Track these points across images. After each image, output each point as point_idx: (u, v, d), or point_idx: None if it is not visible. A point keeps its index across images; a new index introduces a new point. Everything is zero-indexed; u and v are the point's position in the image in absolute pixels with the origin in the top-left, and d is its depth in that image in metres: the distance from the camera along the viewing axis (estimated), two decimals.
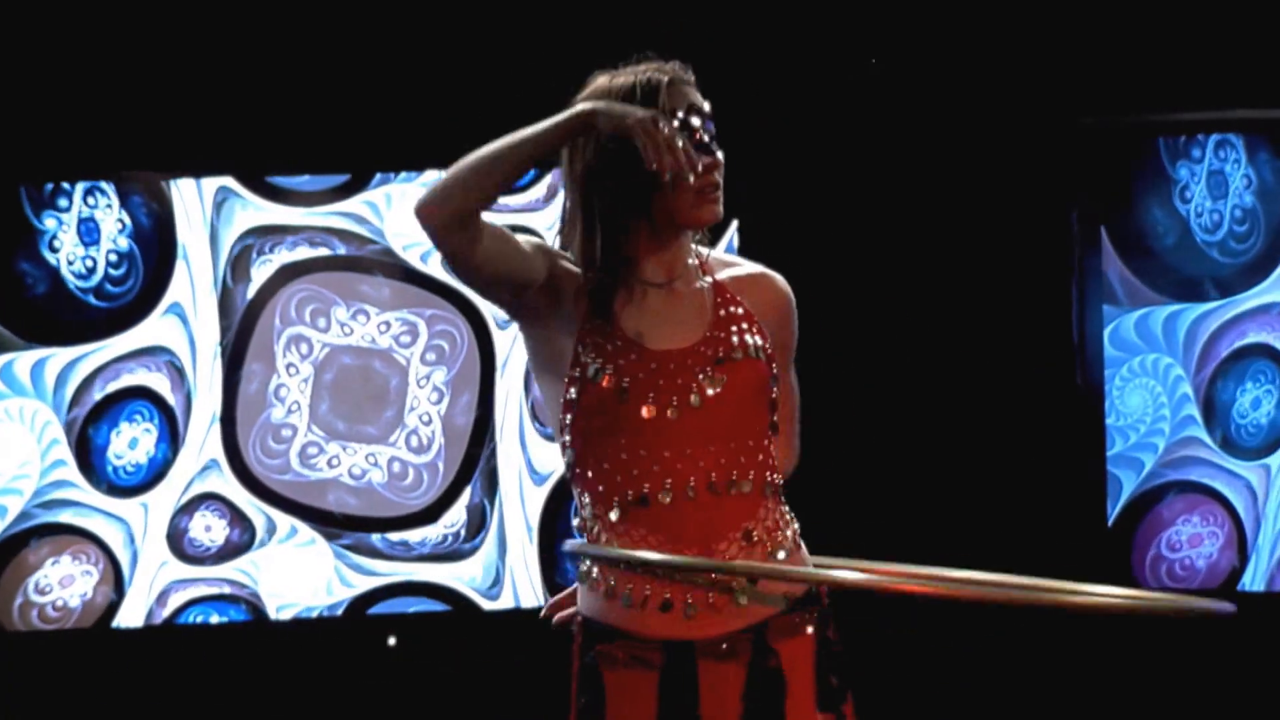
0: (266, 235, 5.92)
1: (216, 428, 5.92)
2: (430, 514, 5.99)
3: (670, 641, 2.92)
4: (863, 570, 2.97)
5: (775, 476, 3.00)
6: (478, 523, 6.00)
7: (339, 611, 5.98)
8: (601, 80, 2.98)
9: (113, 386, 5.88)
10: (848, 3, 5.99)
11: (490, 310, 5.95)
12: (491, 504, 6.00)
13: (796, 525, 3.02)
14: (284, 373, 5.95)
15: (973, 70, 5.99)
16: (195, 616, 5.93)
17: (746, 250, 5.41)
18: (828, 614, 3.00)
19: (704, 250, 3.05)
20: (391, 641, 6.02)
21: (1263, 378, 5.96)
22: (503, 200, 5.95)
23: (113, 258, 5.87)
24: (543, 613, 3.10)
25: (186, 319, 5.90)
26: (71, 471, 5.87)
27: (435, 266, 5.95)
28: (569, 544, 2.99)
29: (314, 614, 5.97)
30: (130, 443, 5.89)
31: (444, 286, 5.95)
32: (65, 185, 5.84)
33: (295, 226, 5.93)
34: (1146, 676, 5.94)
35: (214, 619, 5.94)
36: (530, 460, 6.01)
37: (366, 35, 5.91)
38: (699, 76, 3.02)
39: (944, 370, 6.03)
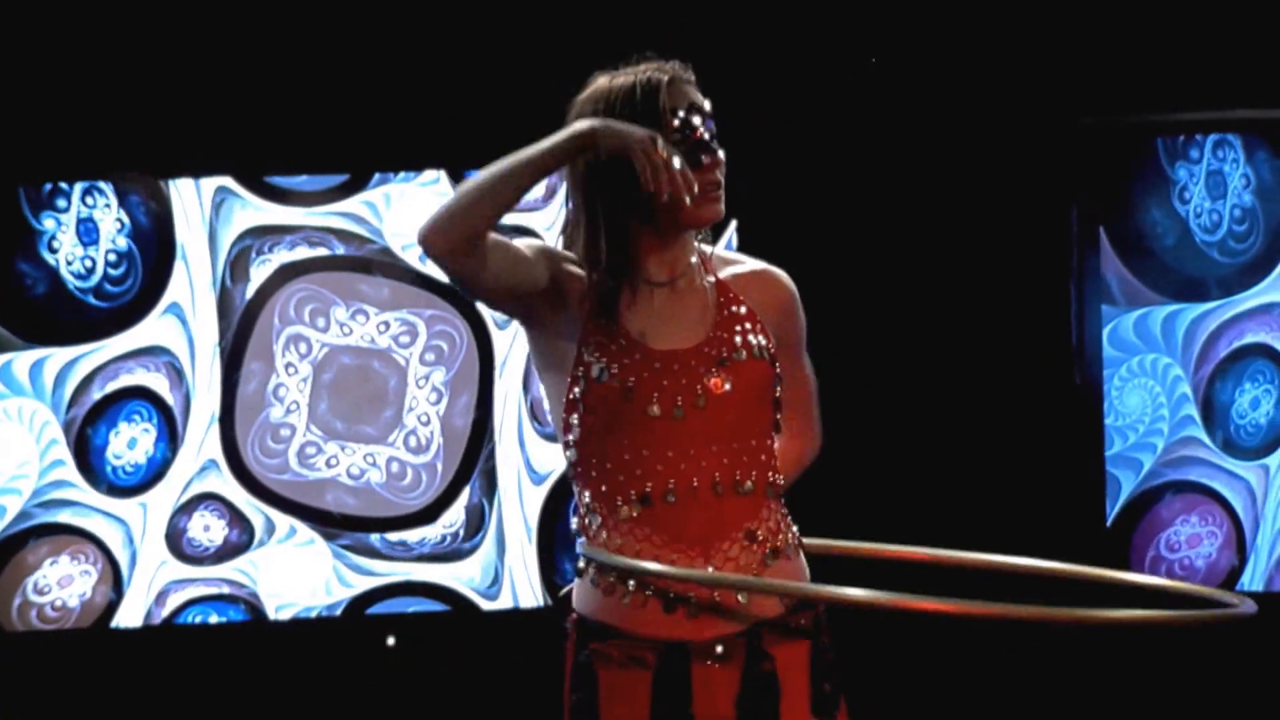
0: (265, 235, 5.91)
1: (215, 428, 5.92)
2: (429, 514, 5.99)
3: (664, 642, 2.92)
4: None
5: (777, 477, 3.01)
6: (476, 523, 6.00)
7: (338, 611, 5.98)
8: (602, 81, 2.99)
9: (111, 386, 5.88)
10: (848, 3, 5.99)
11: (490, 311, 5.95)
12: (490, 504, 6.00)
13: (795, 529, 3.03)
14: (283, 372, 5.94)
15: (972, 70, 5.99)
16: (194, 616, 5.93)
17: (746, 249, 5.40)
18: (822, 619, 3.01)
19: (706, 248, 3.05)
20: (390, 641, 6.02)
21: (1261, 378, 5.97)
22: None
23: (111, 257, 5.87)
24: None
25: (185, 319, 5.90)
26: (70, 471, 5.87)
27: (434, 267, 5.94)
28: (589, 550, 2.97)
29: (313, 614, 5.96)
30: (129, 443, 5.89)
31: (443, 287, 5.95)
32: (64, 186, 5.84)
33: (294, 226, 5.93)
34: (1145, 676, 5.94)
35: (213, 619, 5.93)
36: (529, 460, 6.01)
37: (365, 35, 5.91)
38: (699, 76, 3.02)
39: (943, 370, 6.03)
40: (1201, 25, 5.87)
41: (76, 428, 5.87)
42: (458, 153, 5.97)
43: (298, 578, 5.96)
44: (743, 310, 3.01)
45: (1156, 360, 5.99)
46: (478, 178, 2.84)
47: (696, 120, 2.95)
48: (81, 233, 5.84)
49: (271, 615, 5.94)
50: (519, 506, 6.00)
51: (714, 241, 3.06)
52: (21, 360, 5.83)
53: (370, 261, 5.95)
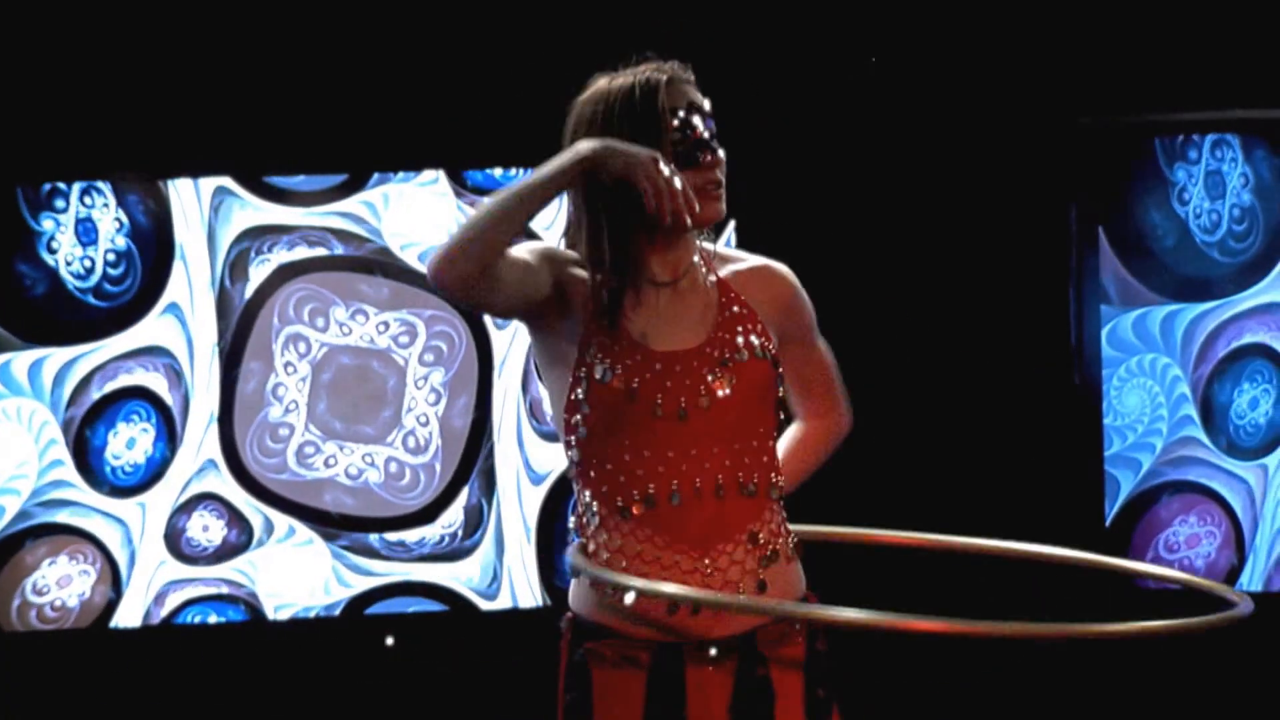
0: (264, 235, 5.91)
1: (214, 428, 5.92)
2: (427, 514, 5.99)
3: (659, 643, 2.93)
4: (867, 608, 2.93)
5: (779, 479, 3.01)
6: (475, 523, 6.00)
7: (337, 611, 5.98)
8: (601, 82, 2.99)
9: (110, 386, 5.88)
10: (848, 3, 5.99)
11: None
12: (489, 504, 6.00)
13: (794, 535, 3.03)
14: (282, 371, 5.94)
15: (971, 70, 5.99)
16: (193, 616, 5.93)
17: (745, 248, 5.39)
18: (817, 625, 3.01)
19: (708, 245, 3.05)
20: (389, 641, 6.02)
21: (1260, 377, 5.97)
22: None
23: (110, 257, 5.87)
24: None
25: (184, 319, 5.90)
26: (69, 471, 5.87)
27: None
28: (580, 563, 2.97)
29: (312, 614, 5.96)
30: (128, 443, 5.89)
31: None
32: (62, 186, 5.84)
33: (293, 226, 5.93)
34: (1144, 677, 5.94)
35: (212, 619, 5.93)
36: (528, 460, 6.01)
37: (364, 35, 5.90)
38: (699, 76, 3.03)
39: (942, 370, 6.03)
40: (1201, 25, 5.87)
41: (75, 428, 5.87)
42: (456, 152, 5.97)
43: (297, 578, 5.96)
44: (744, 311, 3.01)
45: (1155, 360, 5.99)
46: (482, 210, 2.83)
47: (696, 120, 2.96)
48: (80, 233, 5.84)
49: (270, 615, 5.94)
50: (518, 506, 6.00)
51: (715, 240, 3.07)
52: (20, 360, 5.83)
53: (370, 261, 5.95)
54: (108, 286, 5.87)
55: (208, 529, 5.92)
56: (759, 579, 2.95)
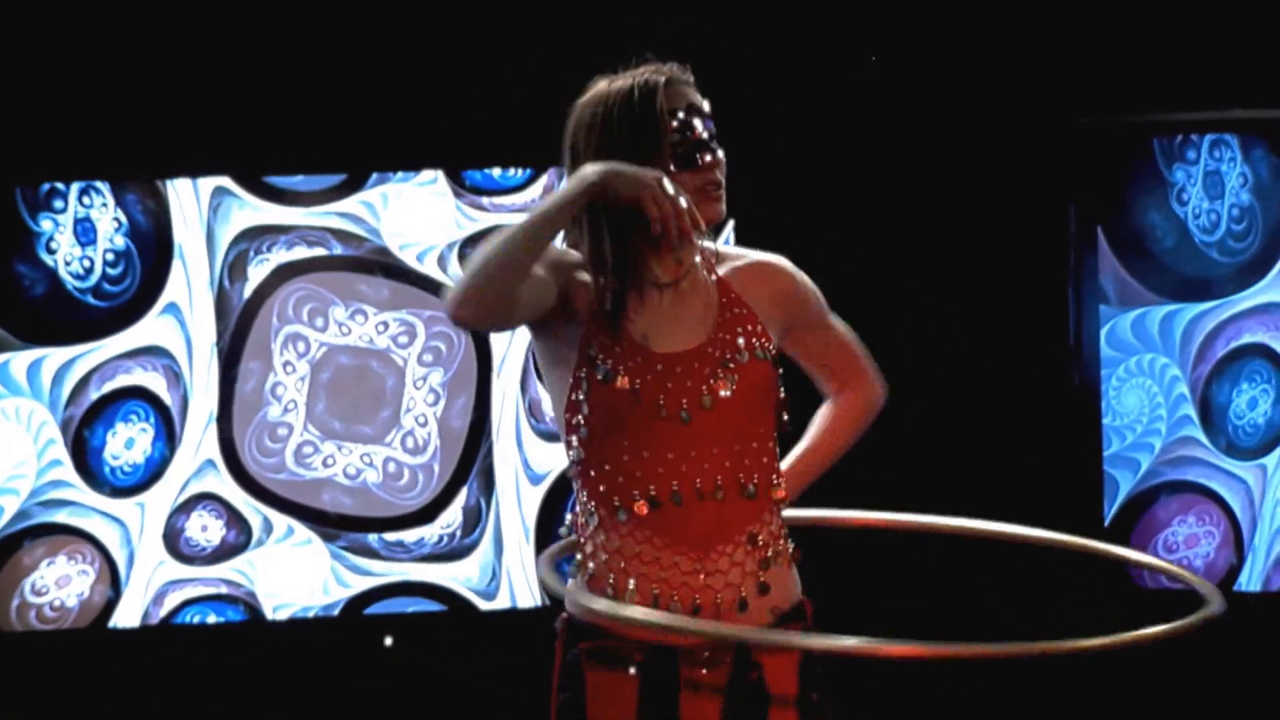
0: (263, 235, 5.91)
1: (213, 428, 5.92)
2: (426, 514, 5.99)
3: (653, 645, 2.93)
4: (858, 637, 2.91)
5: (779, 481, 3.01)
6: (474, 523, 6.00)
7: (335, 612, 5.98)
8: (601, 84, 2.99)
9: (109, 386, 5.88)
10: (848, 3, 5.99)
11: None
12: (488, 504, 6.00)
13: (791, 541, 3.03)
14: (281, 371, 5.94)
15: (971, 70, 5.99)
16: (192, 616, 5.93)
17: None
18: (812, 629, 3.02)
19: (708, 244, 3.05)
20: (388, 642, 6.02)
21: (1259, 377, 5.97)
22: (501, 201, 5.97)
23: (110, 257, 5.86)
24: None
25: (183, 319, 5.90)
26: (68, 471, 5.86)
27: (433, 267, 5.95)
28: (576, 594, 2.96)
29: (310, 614, 5.96)
30: (126, 443, 5.89)
31: (442, 287, 5.94)
32: (60, 186, 5.83)
33: (291, 226, 5.93)
34: (1143, 677, 5.94)
35: (210, 619, 5.93)
36: (527, 460, 6.01)
37: (363, 35, 5.90)
38: (698, 76, 3.03)
39: (940, 370, 6.03)
40: (1200, 25, 5.87)
41: (74, 428, 5.86)
42: (455, 152, 5.97)
43: (295, 578, 5.96)
44: (744, 311, 3.01)
45: (1154, 360, 5.99)
46: (493, 248, 2.81)
47: (695, 121, 2.96)
48: (79, 233, 5.84)
49: (269, 615, 5.94)
50: (517, 507, 6.00)
51: (714, 239, 3.07)
52: (19, 360, 5.83)
53: (370, 262, 5.95)
54: (107, 286, 5.87)
55: (206, 529, 5.92)
56: (759, 580, 2.95)
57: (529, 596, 5.98)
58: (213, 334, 5.91)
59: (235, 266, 5.90)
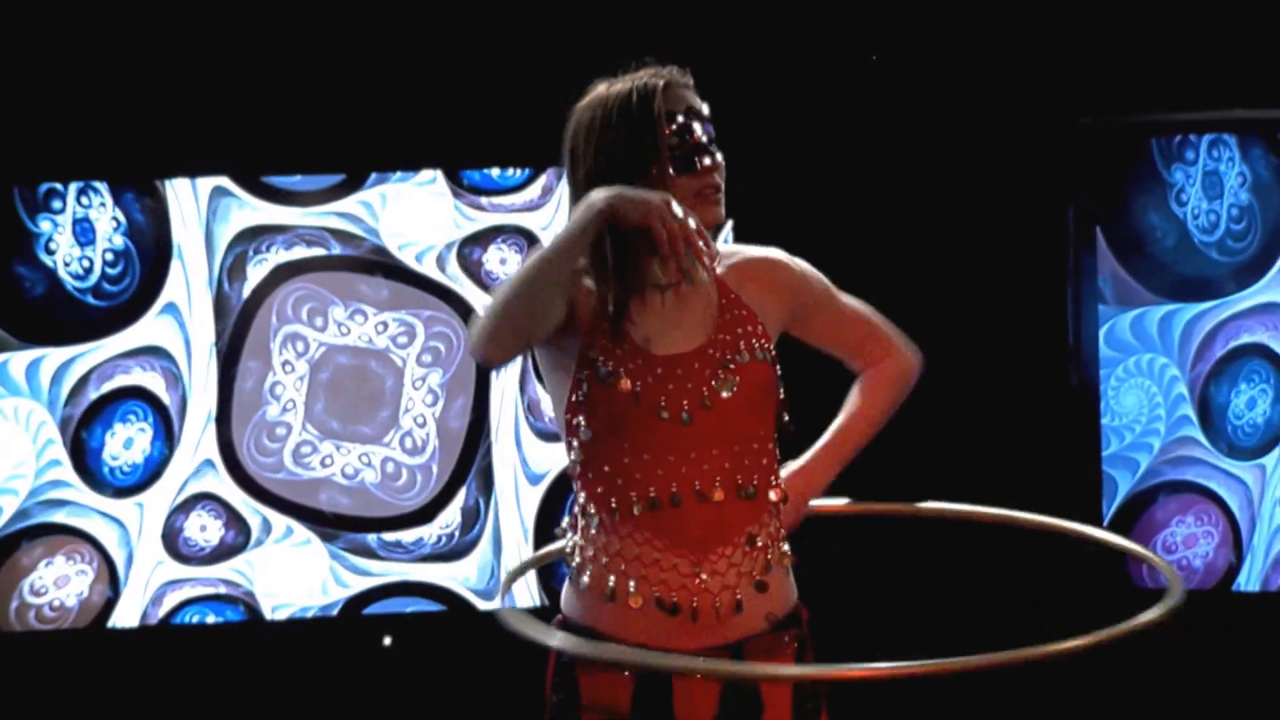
0: (261, 235, 5.91)
1: (212, 428, 5.92)
2: (424, 514, 5.99)
3: (648, 649, 2.92)
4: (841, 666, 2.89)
5: (779, 483, 3.01)
6: (473, 523, 6.00)
7: (334, 612, 5.98)
8: (600, 88, 2.99)
9: (108, 386, 5.88)
10: (848, 3, 5.99)
11: None
12: (487, 504, 6.00)
13: (787, 545, 3.03)
14: (280, 370, 5.94)
15: (970, 70, 5.99)
16: (191, 616, 5.93)
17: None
18: (807, 638, 3.02)
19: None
20: (387, 641, 6.02)
21: (1257, 377, 5.97)
22: (500, 201, 5.96)
23: (109, 256, 5.86)
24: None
25: (182, 319, 5.90)
26: (67, 471, 5.86)
27: (432, 267, 5.95)
28: (569, 643, 2.95)
29: (309, 614, 5.96)
30: (125, 443, 5.89)
31: (441, 288, 5.95)
32: (59, 186, 5.83)
33: (290, 226, 5.93)
34: (1143, 677, 5.94)
35: (209, 619, 5.93)
36: (525, 460, 6.01)
37: (362, 35, 5.90)
38: (698, 75, 3.02)
39: (939, 370, 6.01)
40: (1199, 26, 5.87)
41: (73, 428, 5.86)
42: (454, 152, 5.97)
43: (294, 578, 5.96)
44: (744, 312, 3.01)
45: (1153, 360, 5.99)
46: (510, 288, 2.82)
47: (694, 125, 2.96)
48: (78, 233, 5.84)
49: (268, 615, 5.94)
50: (515, 507, 6.00)
51: (714, 239, 3.06)
52: (18, 360, 5.83)
53: (369, 262, 5.95)
54: (106, 286, 5.87)
55: (205, 529, 5.92)
56: (755, 580, 2.95)
57: (528, 596, 5.98)
58: (211, 334, 5.91)
59: (234, 266, 5.90)
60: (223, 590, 5.94)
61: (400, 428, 5.97)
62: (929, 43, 6.00)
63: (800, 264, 3.12)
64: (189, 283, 5.89)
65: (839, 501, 3.33)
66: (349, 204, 5.93)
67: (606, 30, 5.60)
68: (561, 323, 2.93)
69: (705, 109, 2.99)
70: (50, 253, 5.83)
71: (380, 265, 5.94)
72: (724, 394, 2.94)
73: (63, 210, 5.83)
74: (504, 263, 5.95)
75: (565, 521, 3.05)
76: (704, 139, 2.96)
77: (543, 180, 5.93)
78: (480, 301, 5.96)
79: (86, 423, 5.87)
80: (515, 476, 6.00)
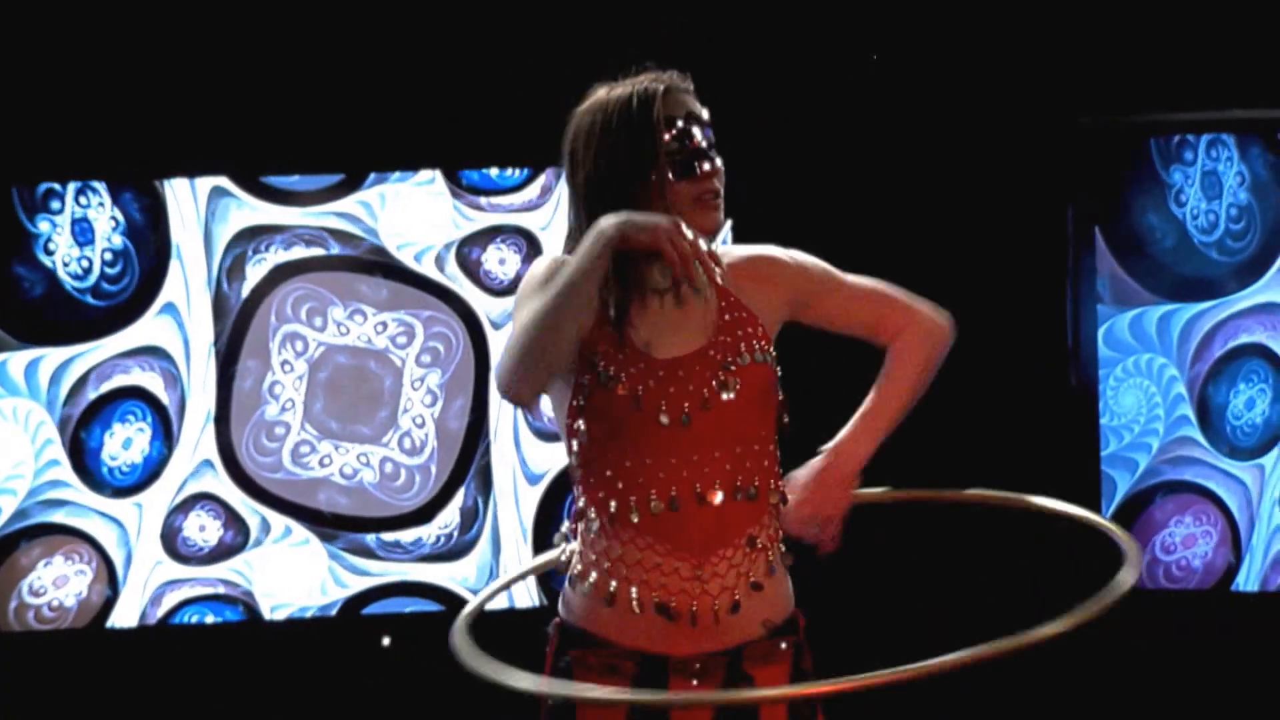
0: (260, 235, 5.91)
1: (211, 428, 5.91)
2: (423, 515, 5.99)
3: (644, 653, 2.93)
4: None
5: (779, 484, 3.01)
6: (471, 523, 6.00)
7: (333, 612, 5.98)
8: (600, 93, 2.99)
9: (106, 386, 5.87)
10: (848, 3, 5.99)
11: (486, 312, 5.95)
12: (486, 504, 6.00)
13: (785, 548, 3.03)
14: (279, 370, 5.94)
15: (970, 70, 5.99)
16: (190, 616, 5.92)
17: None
18: (803, 644, 3.02)
19: (701, 244, 3.04)
20: (386, 642, 6.02)
21: (1256, 377, 5.97)
22: (499, 201, 5.96)
23: (108, 256, 5.86)
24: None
25: (180, 319, 5.89)
26: (66, 471, 5.86)
27: (430, 267, 5.95)
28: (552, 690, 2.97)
29: (308, 614, 5.96)
30: (124, 443, 5.89)
31: (440, 288, 5.95)
32: (57, 186, 5.83)
33: (289, 226, 5.93)
34: (1142, 677, 5.94)
35: (208, 619, 5.93)
36: (524, 460, 6.01)
37: (361, 35, 5.90)
38: (698, 75, 3.02)
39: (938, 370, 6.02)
40: (1198, 26, 5.87)
41: (71, 428, 5.86)
42: (453, 152, 5.97)
43: (293, 577, 5.96)
44: (744, 314, 3.01)
45: (1152, 360, 5.99)
46: (532, 326, 2.83)
47: (694, 130, 2.95)
48: (77, 233, 5.84)
49: (267, 615, 5.94)
50: (514, 507, 6.00)
51: (712, 240, 3.06)
52: (16, 360, 5.83)
53: (368, 262, 5.95)
54: (105, 286, 5.86)
55: (204, 529, 5.92)
56: (752, 581, 2.95)
57: (527, 597, 5.98)
58: (210, 334, 5.90)
59: (233, 266, 5.90)
60: (222, 590, 5.94)
61: (399, 428, 5.97)
62: (929, 43, 6.00)
63: (795, 254, 3.12)
64: (188, 283, 5.89)
65: (877, 490, 3.34)
66: (348, 204, 5.93)
67: (606, 30, 5.60)
68: None
69: (705, 114, 2.99)
70: (49, 253, 5.83)
71: (379, 265, 5.94)
72: (724, 396, 2.94)
73: (61, 210, 5.83)
74: (503, 262, 5.95)
75: (565, 526, 3.04)
76: (703, 144, 2.96)
77: (541, 180, 5.93)
78: (480, 301, 5.96)
79: (85, 423, 5.86)
80: (514, 477, 6.00)
